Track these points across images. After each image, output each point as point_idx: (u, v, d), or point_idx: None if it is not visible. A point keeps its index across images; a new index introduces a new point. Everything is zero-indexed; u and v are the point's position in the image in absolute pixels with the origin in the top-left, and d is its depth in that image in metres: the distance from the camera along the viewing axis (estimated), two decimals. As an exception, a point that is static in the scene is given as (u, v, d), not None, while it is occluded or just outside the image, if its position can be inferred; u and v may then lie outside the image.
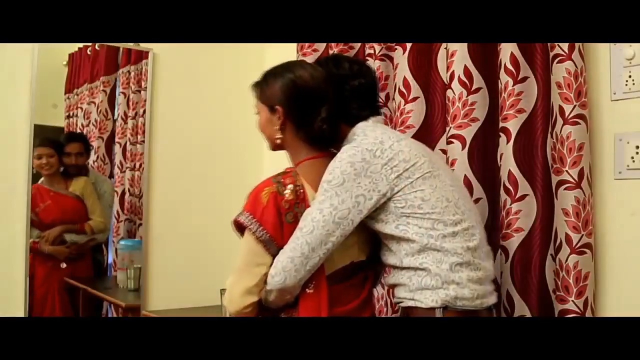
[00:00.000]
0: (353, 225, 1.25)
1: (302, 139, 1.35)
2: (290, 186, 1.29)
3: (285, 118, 1.33)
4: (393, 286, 1.33)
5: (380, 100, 1.82)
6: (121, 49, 2.32)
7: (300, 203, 1.28)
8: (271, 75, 1.38)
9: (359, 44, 1.94)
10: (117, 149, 2.33)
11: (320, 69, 1.37)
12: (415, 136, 1.71)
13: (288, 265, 1.22)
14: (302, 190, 1.29)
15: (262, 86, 1.38)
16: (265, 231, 1.26)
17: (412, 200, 1.24)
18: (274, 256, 1.26)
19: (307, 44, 2.01)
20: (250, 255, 1.27)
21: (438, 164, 1.33)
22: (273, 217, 1.26)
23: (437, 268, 1.23)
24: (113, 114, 2.33)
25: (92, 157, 2.28)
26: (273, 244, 1.26)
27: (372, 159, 1.24)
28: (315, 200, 1.26)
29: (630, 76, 1.41)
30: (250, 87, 1.40)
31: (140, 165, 2.31)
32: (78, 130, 2.28)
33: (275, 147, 1.39)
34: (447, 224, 1.24)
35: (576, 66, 1.41)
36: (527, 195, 1.50)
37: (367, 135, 1.30)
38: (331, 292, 1.28)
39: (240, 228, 1.30)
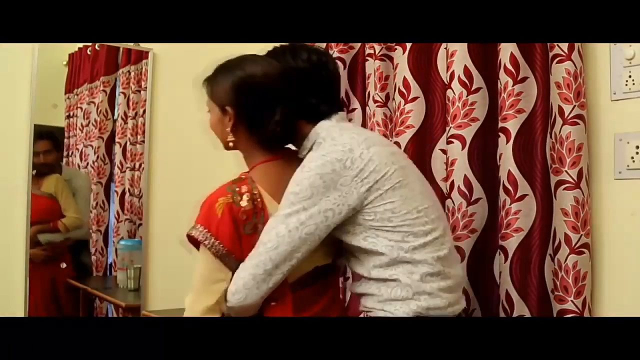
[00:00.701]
0: (320, 240, 1.18)
1: (256, 141, 1.26)
2: (246, 195, 1.20)
3: (237, 120, 1.24)
4: (360, 295, 1.27)
5: (380, 96, 1.82)
6: (121, 49, 2.32)
7: (259, 213, 1.20)
8: (221, 71, 1.27)
9: (359, 44, 1.94)
10: (117, 149, 2.33)
11: (275, 63, 1.27)
12: (415, 136, 1.71)
13: (249, 282, 1.16)
14: (259, 199, 1.21)
15: (212, 84, 1.28)
16: (222, 245, 1.17)
17: (381, 213, 1.18)
18: (233, 270, 1.19)
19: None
20: (208, 272, 1.19)
21: (408, 170, 1.26)
22: (229, 229, 1.17)
23: (408, 279, 1.18)
24: (113, 114, 2.33)
25: (92, 157, 2.29)
26: (231, 258, 1.18)
27: (342, 170, 1.17)
28: (281, 212, 1.18)
29: (630, 76, 1.41)
30: (202, 84, 1.32)
31: (140, 165, 2.31)
32: (78, 131, 2.28)
33: (229, 148, 1.30)
34: (418, 235, 1.19)
35: (575, 66, 1.41)
36: (526, 195, 1.50)
37: (335, 141, 1.21)
38: (296, 299, 1.22)
39: (194, 242, 1.21)
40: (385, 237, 1.19)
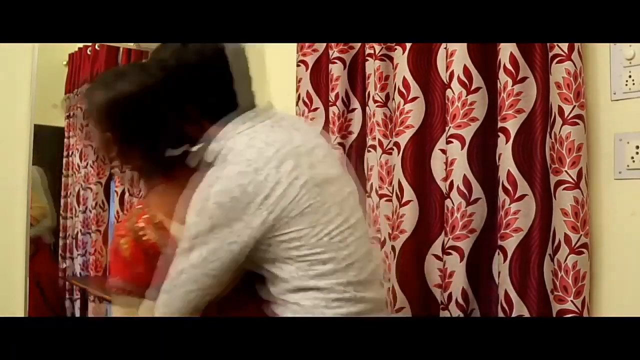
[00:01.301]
0: (230, 273, 1.09)
1: (148, 164, 1.13)
2: (148, 228, 1.09)
3: (121, 146, 1.09)
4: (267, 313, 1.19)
5: (380, 96, 1.82)
6: (121, 49, 2.32)
7: (165, 243, 1.10)
8: (93, 90, 1.11)
9: (359, 44, 1.94)
10: (117, 149, 2.33)
11: (154, 69, 1.11)
12: (415, 136, 1.71)
13: None
14: (162, 229, 1.10)
15: (86, 105, 1.12)
16: (143, 287, 1.08)
17: (287, 242, 1.07)
18: None
19: (307, 44, 2.02)
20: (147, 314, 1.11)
21: (326, 187, 1.12)
22: (143, 266, 1.09)
23: (311, 305, 1.10)
24: (113, 114, 2.33)
25: (92, 157, 2.28)
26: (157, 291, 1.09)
27: (244, 197, 1.04)
28: (183, 245, 1.08)
29: (630, 76, 1.41)
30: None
31: (140, 165, 2.30)
32: (77, 131, 2.28)
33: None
34: (327, 262, 1.09)
35: (575, 66, 1.41)
36: (526, 195, 1.50)
37: (241, 156, 1.07)
38: (221, 306, 1.14)
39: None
40: (291, 264, 1.09)
